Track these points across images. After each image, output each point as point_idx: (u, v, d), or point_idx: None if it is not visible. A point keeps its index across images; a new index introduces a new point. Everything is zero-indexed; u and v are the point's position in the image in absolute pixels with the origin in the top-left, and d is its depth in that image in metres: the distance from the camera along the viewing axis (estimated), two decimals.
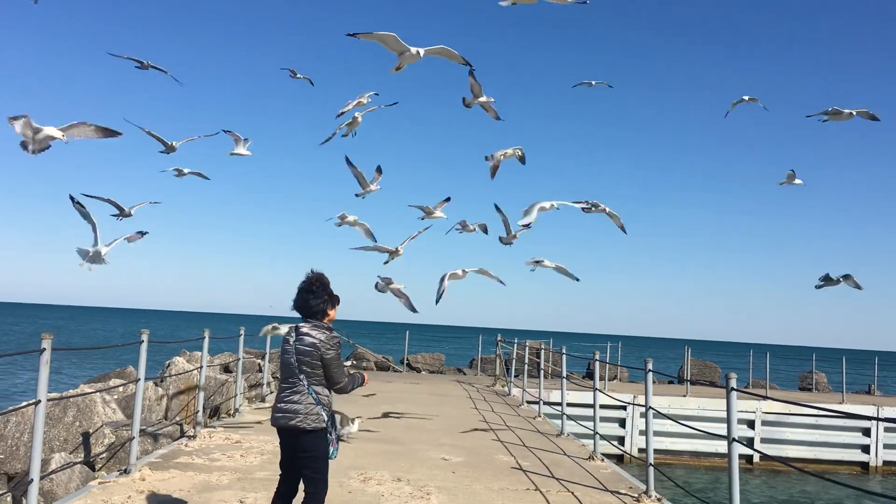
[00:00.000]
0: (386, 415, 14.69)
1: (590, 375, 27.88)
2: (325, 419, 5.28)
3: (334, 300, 5.55)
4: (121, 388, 12.64)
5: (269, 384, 17.32)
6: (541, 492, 8.40)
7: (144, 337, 8.25)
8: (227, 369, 19.90)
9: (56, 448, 9.47)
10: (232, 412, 12.87)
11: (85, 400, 9.99)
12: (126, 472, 8.05)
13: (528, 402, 18.46)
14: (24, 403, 7.47)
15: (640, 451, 23.41)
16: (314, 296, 5.42)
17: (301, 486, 5.42)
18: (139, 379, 8.27)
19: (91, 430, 9.77)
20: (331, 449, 5.34)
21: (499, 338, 25.41)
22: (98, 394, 10.29)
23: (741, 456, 22.21)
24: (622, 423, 23.06)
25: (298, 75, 13.98)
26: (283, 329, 10.63)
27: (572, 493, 8.45)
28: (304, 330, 5.34)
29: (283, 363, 5.35)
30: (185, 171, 12.36)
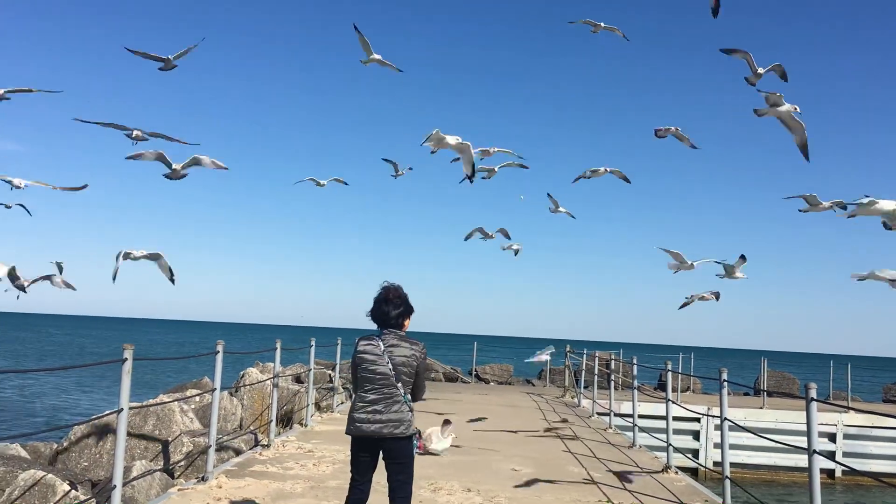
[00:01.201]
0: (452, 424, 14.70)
1: (661, 387, 27.32)
2: (414, 426, 5.49)
3: (410, 311, 5.66)
4: (197, 398, 12.99)
5: (339, 394, 17.54)
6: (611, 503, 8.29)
7: (220, 348, 8.47)
8: (298, 380, 20.24)
9: (137, 456, 9.79)
10: (304, 422, 13.07)
11: (164, 409, 10.31)
12: (203, 479, 8.26)
13: (599, 414, 18.23)
14: (107, 412, 7.74)
15: (716, 464, 22.78)
16: (393, 307, 5.53)
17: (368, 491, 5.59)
18: (215, 389, 8.49)
19: (170, 439, 10.07)
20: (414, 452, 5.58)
21: (568, 348, 25.19)
22: (176, 403, 10.60)
23: (822, 470, 21.43)
24: (696, 435, 22.53)
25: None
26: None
27: (641, 503, 8.32)
28: (395, 341, 5.45)
29: (372, 373, 5.38)
30: (323, 182, 12.32)
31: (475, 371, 30.17)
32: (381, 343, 5.45)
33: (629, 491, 9.06)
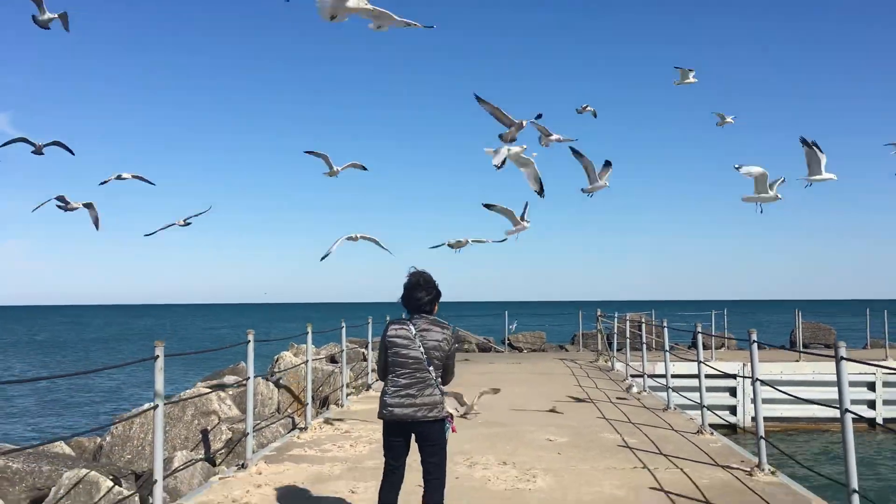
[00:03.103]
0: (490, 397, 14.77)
1: (696, 346, 27.19)
2: (445, 408, 5.55)
3: (439, 296, 5.72)
4: (234, 385, 13.19)
5: (373, 372, 17.70)
6: (648, 469, 8.31)
7: (251, 337, 8.59)
8: (333, 360, 20.45)
9: (178, 446, 10.00)
10: (340, 402, 13.24)
11: (202, 399, 10.49)
12: (243, 466, 8.42)
13: (633, 377, 18.23)
14: (146, 406, 7.90)
15: (754, 419, 22.72)
16: (425, 292, 5.59)
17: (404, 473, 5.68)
18: (249, 377, 8.63)
19: (209, 428, 10.26)
20: (447, 435, 5.63)
21: (599, 312, 25.14)
22: (213, 392, 10.78)
23: (863, 419, 21.31)
24: (733, 391, 22.45)
25: None
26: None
27: (681, 469, 8.34)
28: (426, 325, 5.51)
29: (404, 357, 5.45)
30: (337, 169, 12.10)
31: (507, 340, 30.24)
32: (412, 327, 5.50)
33: (664, 455, 9.08)
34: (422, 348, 5.44)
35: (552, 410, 12.80)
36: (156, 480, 6.28)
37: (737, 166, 10.26)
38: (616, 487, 7.55)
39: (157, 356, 6.30)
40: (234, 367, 18.25)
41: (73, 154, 11.48)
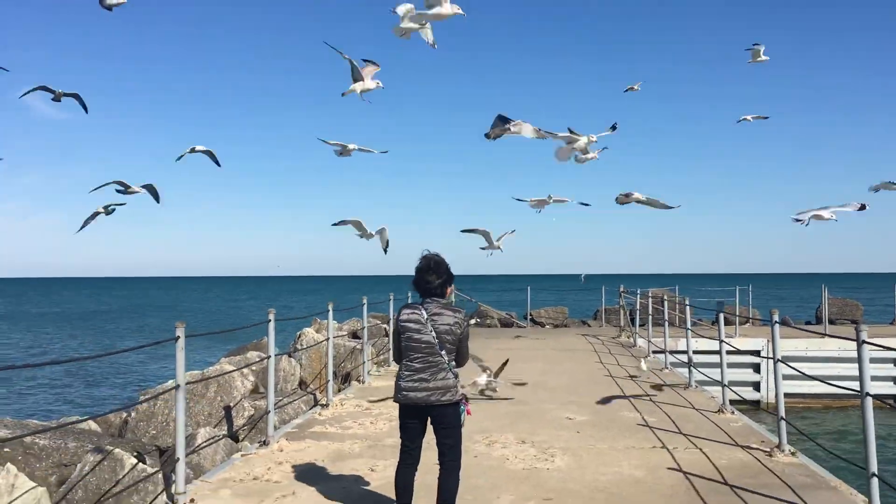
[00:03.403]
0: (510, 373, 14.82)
1: (718, 322, 26.94)
2: (460, 391, 5.58)
3: (451, 279, 5.72)
4: (257, 362, 13.33)
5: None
6: (667, 449, 8.32)
7: (271, 317, 8.66)
8: (355, 336, 20.57)
9: (202, 422, 10.15)
10: (361, 378, 13.35)
11: (224, 376, 10.63)
12: (265, 443, 8.54)
13: (655, 353, 18.19)
14: (169, 384, 8.01)
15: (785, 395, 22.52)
16: (436, 276, 5.60)
17: (421, 455, 5.73)
18: (270, 356, 8.71)
19: (232, 404, 10.40)
20: (463, 417, 5.66)
21: (621, 288, 25.03)
22: (236, 370, 10.90)
23: (890, 396, 21.12)
24: (756, 368, 22.32)
25: None
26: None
27: (700, 449, 8.33)
28: (437, 310, 5.52)
29: (416, 342, 5.47)
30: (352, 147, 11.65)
31: (530, 315, 30.25)
32: (424, 312, 5.52)
33: (684, 434, 9.07)
34: (433, 333, 5.45)
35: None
36: (178, 459, 6.39)
37: (795, 218, 9.73)
38: (635, 467, 7.57)
39: (178, 337, 6.38)
40: (257, 343, 18.43)
41: (87, 112, 11.59)
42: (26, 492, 6.21)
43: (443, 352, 5.46)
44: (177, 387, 6.39)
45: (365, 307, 13.81)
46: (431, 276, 5.59)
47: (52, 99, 11.07)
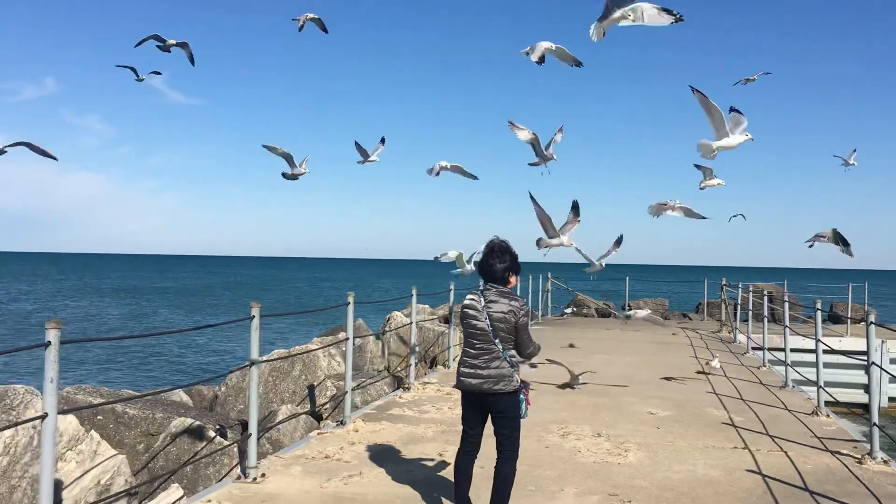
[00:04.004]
0: (600, 365, 14.60)
1: (831, 318, 25.66)
2: (518, 381, 5.48)
3: (517, 267, 5.64)
4: (338, 342, 13.61)
5: None
6: (749, 450, 7.99)
7: (351, 299, 8.81)
8: (446, 320, 20.70)
9: (286, 399, 10.46)
10: (447, 363, 13.43)
11: (310, 355, 10.92)
12: (342, 423, 8.72)
13: (755, 349, 17.52)
14: (247, 362, 8.26)
15: (891, 400, 21.33)
16: (499, 261, 5.53)
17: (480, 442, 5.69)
18: (349, 338, 8.87)
19: (315, 384, 10.67)
20: (523, 408, 5.56)
21: (723, 281, 24.19)
22: (321, 349, 11.17)
23: None
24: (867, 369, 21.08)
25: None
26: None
27: (785, 452, 7.97)
28: (493, 297, 5.46)
29: (473, 328, 5.45)
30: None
31: (628, 305, 29.62)
32: (482, 299, 5.48)
33: (770, 436, 8.70)
34: (487, 320, 5.40)
35: (668, 379, 12.53)
36: (250, 434, 6.61)
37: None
38: (710, 467, 7.31)
39: (253, 316, 6.57)
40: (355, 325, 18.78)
41: (193, 64, 11.62)
42: (107, 458, 6.58)
43: (496, 340, 5.39)
44: (250, 364, 6.60)
45: (452, 292, 13.87)
46: (494, 261, 5.52)
47: (160, 48, 11.17)
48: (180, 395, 10.15)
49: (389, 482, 6.68)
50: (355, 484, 6.59)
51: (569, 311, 29.76)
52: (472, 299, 5.52)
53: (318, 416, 10.38)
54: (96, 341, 24.43)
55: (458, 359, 6.47)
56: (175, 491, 6.14)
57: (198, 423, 7.80)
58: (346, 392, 8.88)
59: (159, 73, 11.64)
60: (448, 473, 6.92)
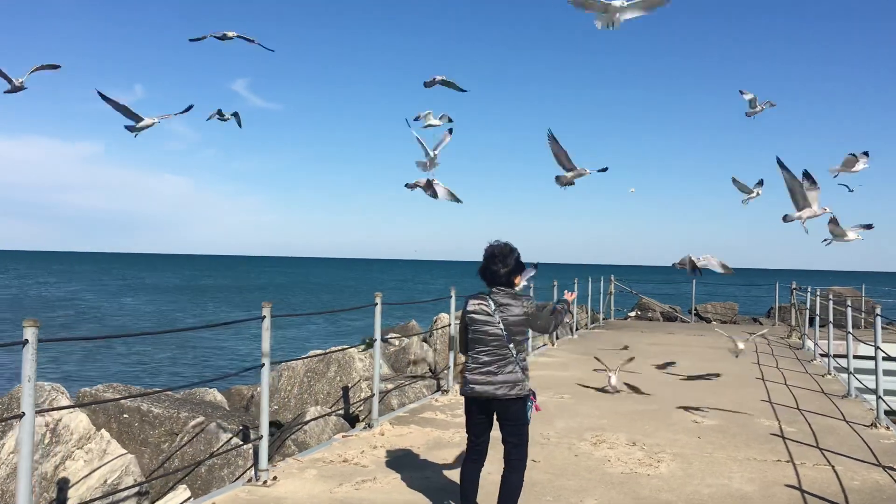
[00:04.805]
0: (656, 368, 14.10)
1: (875, 326, 24.23)
2: (528, 386, 5.30)
3: (520, 268, 5.40)
4: (395, 343, 13.49)
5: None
6: (793, 464, 7.49)
7: (378, 300, 8.65)
8: None
9: (320, 401, 10.37)
10: None
11: (345, 356, 10.80)
12: (370, 426, 8.57)
13: (822, 356, 16.66)
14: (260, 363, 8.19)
15: None
16: (503, 265, 5.31)
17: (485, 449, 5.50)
18: (375, 340, 8.71)
19: (349, 385, 10.54)
20: (529, 413, 5.34)
21: (793, 284, 23.19)
22: (355, 349, 11.05)
23: None
24: None
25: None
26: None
27: (833, 466, 7.43)
28: (506, 300, 5.25)
29: (484, 333, 5.23)
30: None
31: (695, 309, 28.74)
32: (491, 303, 5.24)
33: (820, 449, 8.16)
34: (502, 325, 5.17)
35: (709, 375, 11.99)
36: (261, 436, 6.50)
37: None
38: (746, 481, 6.87)
39: (264, 316, 6.47)
40: (404, 326, 18.71)
41: (257, 43, 11.30)
42: (116, 458, 6.57)
43: (510, 345, 5.18)
44: (261, 365, 6.49)
45: (452, 299, 13.59)
46: (497, 266, 5.29)
47: (217, 37, 10.90)
48: (214, 395, 10.17)
49: (402, 488, 6.49)
50: (367, 490, 6.41)
51: (633, 314, 29.07)
52: (481, 304, 5.29)
53: (353, 418, 10.27)
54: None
55: (460, 366, 6.23)
56: (182, 492, 6.09)
57: (213, 423, 7.75)
58: (374, 395, 8.72)
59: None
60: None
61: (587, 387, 11.86)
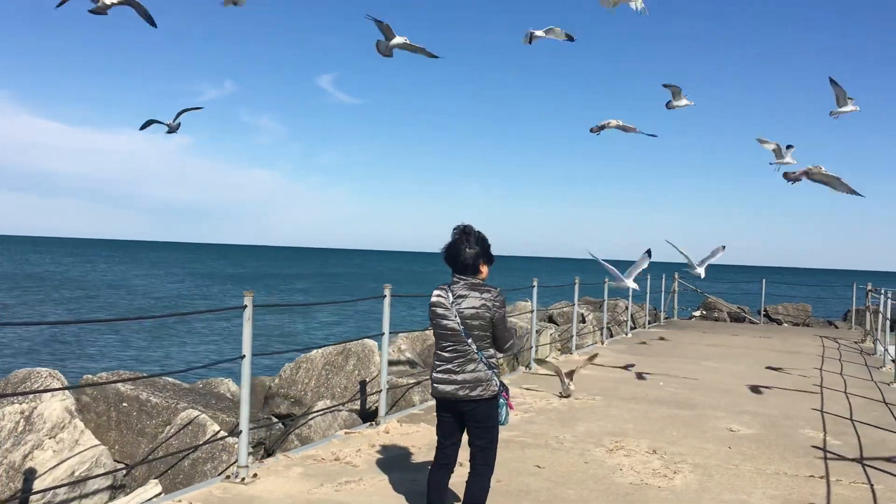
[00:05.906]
0: (704, 373, 13.32)
1: None
2: (498, 385, 4.82)
3: (490, 257, 4.89)
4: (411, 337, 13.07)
5: (579, 336, 16.85)
6: (828, 480, 6.78)
7: (387, 292, 8.28)
8: (550, 319, 19.80)
9: (336, 395, 10.05)
10: (528, 364, 12.63)
11: (364, 349, 10.46)
12: (376, 423, 8.21)
13: (894, 362, 15.50)
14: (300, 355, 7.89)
15: None
16: (467, 245, 4.81)
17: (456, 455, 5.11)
18: (383, 333, 8.33)
19: (368, 379, 10.21)
20: (503, 414, 4.92)
21: (868, 286, 21.82)
22: (374, 342, 10.68)
23: None
24: None
25: None
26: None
27: (872, 485, 6.69)
28: (463, 291, 4.76)
29: (443, 328, 4.77)
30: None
31: (764, 310, 27.40)
32: (450, 294, 4.76)
33: (863, 464, 7.37)
34: (457, 318, 4.69)
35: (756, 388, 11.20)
36: (240, 431, 6.20)
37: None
38: (768, 498, 6.21)
39: (245, 306, 6.16)
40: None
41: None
42: (87, 449, 6.38)
43: (469, 340, 4.69)
44: (242, 357, 6.19)
45: (535, 289, 13.03)
46: (463, 245, 4.78)
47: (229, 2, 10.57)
48: (228, 385, 10.00)
49: (386, 491, 6.10)
50: (347, 491, 6.05)
51: (697, 313, 27.96)
52: (440, 295, 4.82)
53: (370, 414, 9.92)
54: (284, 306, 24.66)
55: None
56: (153, 487, 5.83)
57: (202, 416, 7.50)
58: (381, 391, 8.36)
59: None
60: (459, 484, 6.24)
61: (621, 388, 11.24)
